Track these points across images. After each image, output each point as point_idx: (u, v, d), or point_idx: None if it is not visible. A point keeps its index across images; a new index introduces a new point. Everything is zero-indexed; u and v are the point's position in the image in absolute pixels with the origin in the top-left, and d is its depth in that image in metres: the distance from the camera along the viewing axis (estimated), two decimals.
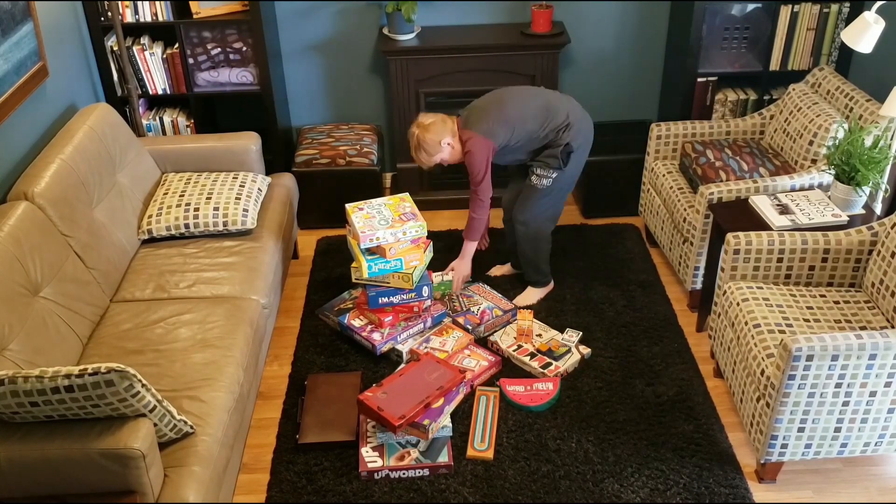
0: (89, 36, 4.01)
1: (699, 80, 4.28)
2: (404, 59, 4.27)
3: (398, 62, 4.29)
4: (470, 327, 3.60)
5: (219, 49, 4.19)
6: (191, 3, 4.02)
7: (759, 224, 3.33)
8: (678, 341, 3.60)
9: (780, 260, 3.17)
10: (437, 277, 3.97)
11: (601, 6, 4.45)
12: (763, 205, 3.40)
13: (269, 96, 4.21)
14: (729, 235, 3.16)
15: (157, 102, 4.37)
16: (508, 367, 3.49)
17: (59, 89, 3.61)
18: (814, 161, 3.60)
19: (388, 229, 3.42)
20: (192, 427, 2.58)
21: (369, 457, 3.00)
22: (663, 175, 3.98)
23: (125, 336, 3.00)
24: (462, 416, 3.23)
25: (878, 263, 3.04)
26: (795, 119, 3.74)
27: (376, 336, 3.51)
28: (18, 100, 3.17)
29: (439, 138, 3.48)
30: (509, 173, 3.90)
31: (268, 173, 4.02)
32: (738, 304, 3.08)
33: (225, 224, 3.52)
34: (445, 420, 3.13)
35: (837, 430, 2.79)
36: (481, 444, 3.08)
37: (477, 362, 3.43)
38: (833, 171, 3.41)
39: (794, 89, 3.89)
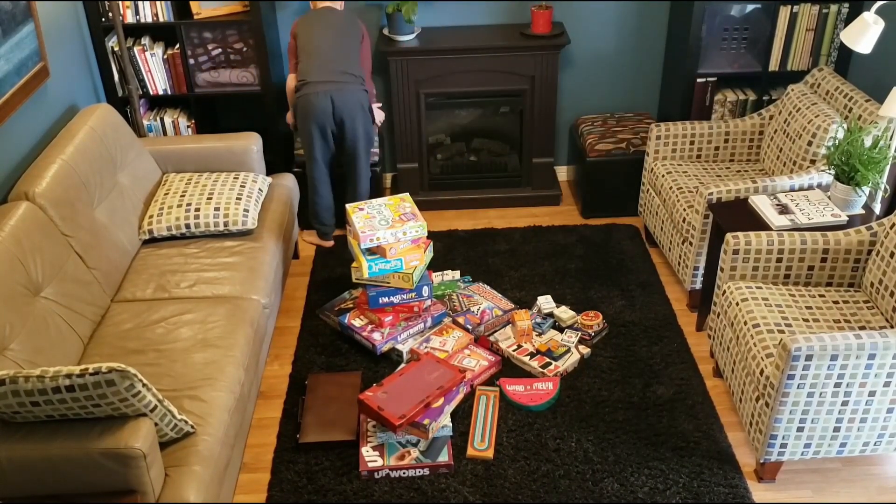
0: (90, 36, 4.02)
1: (698, 80, 4.29)
2: (404, 59, 4.28)
3: (398, 63, 4.30)
4: (470, 327, 3.61)
5: (219, 49, 4.20)
6: (191, 3, 4.03)
7: (759, 224, 3.34)
8: (677, 341, 3.61)
9: (779, 260, 3.17)
10: (436, 277, 3.99)
11: (601, 6, 4.46)
12: (762, 204, 3.41)
13: (269, 97, 4.21)
14: (728, 235, 3.17)
15: (157, 103, 4.38)
16: (508, 367, 3.49)
17: (60, 90, 3.62)
18: (813, 161, 3.61)
19: (389, 229, 3.43)
20: (192, 427, 2.58)
21: (370, 456, 3.01)
22: (663, 175, 3.99)
23: (126, 336, 3.01)
24: (462, 416, 3.23)
25: (878, 263, 3.05)
26: (794, 119, 3.75)
27: (376, 336, 3.52)
28: (19, 100, 3.18)
29: None
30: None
31: (268, 173, 4.03)
32: (737, 304, 3.09)
33: (226, 224, 3.53)
34: (445, 420, 3.13)
35: (837, 429, 2.80)
36: (481, 444, 3.09)
37: (477, 362, 3.43)
38: (833, 171, 3.42)
39: (793, 90, 3.90)
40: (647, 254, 4.22)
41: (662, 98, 4.71)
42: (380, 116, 4.21)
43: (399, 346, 3.52)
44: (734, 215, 3.41)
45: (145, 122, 4.21)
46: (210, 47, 4.19)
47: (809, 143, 3.61)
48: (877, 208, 3.59)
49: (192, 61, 4.18)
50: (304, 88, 3.91)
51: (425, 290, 3.56)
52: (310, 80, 3.90)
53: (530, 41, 4.29)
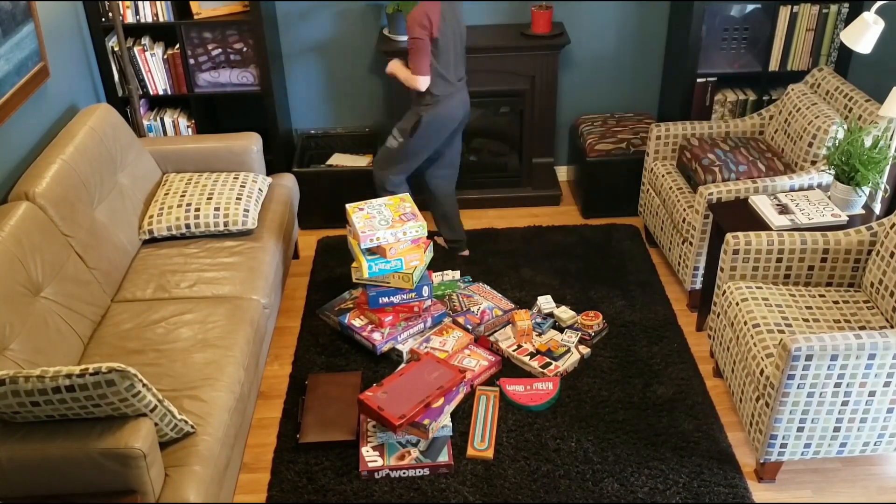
0: (90, 36, 4.02)
1: (698, 80, 4.29)
2: (404, 59, 4.27)
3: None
4: (470, 327, 3.61)
5: (219, 50, 4.20)
6: (191, 3, 4.03)
7: (759, 224, 3.34)
8: (678, 341, 3.61)
9: (779, 260, 3.17)
10: (436, 277, 3.99)
11: (601, 6, 4.46)
12: (763, 205, 3.41)
13: (269, 97, 4.21)
14: (728, 235, 3.17)
15: (157, 103, 4.38)
16: (508, 367, 3.49)
17: (60, 90, 3.62)
18: (813, 162, 3.61)
19: (389, 229, 3.43)
20: (192, 427, 2.58)
21: (370, 456, 3.01)
22: (663, 175, 3.99)
23: (126, 336, 3.01)
24: (462, 416, 3.23)
25: (878, 263, 3.05)
26: (795, 120, 3.75)
27: (376, 336, 3.52)
28: (20, 100, 3.18)
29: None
30: None
31: (268, 173, 4.03)
32: (737, 304, 3.09)
33: (226, 224, 3.53)
34: (445, 420, 3.13)
35: (837, 429, 2.80)
36: (481, 444, 3.09)
37: (477, 362, 3.43)
38: (833, 172, 3.42)
39: (793, 90, 3.90)
40: (647, 254, 4.22)
41: (662, 98, 4.71)
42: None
43: (399, 346, 3.52)
44: (734, 215, 3.41)
45: (145, 122, 4.21)
46: (210, 47, 4.19)
47: (810, 145, 3.61)
48: (877, 208, 3.59)
49: (192, 61, 4.18)
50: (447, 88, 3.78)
51: (425, 290, 3.56)
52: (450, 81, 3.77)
53: (530, 41, 4.29)
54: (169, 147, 3.84)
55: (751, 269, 3.19)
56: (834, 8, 4.09)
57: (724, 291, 3.20)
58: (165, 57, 4.13)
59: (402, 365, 3.49)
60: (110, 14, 3.94)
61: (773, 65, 4.26)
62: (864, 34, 3.35)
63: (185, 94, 4.22)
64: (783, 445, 2.82)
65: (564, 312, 3.70)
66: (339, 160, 4.53)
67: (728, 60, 4.31)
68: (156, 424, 2.40)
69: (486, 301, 3.78)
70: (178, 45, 4.13)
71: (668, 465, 3.01)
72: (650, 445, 3.10)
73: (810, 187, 3.54)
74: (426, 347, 3.50)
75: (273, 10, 4.34)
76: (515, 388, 3.33)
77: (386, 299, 3.51)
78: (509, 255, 4.22)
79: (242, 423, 2.92)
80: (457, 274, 4.03)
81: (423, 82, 3.66)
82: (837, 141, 3.48)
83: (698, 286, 3.73)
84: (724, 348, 3.20)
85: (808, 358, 2.61)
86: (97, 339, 3.01)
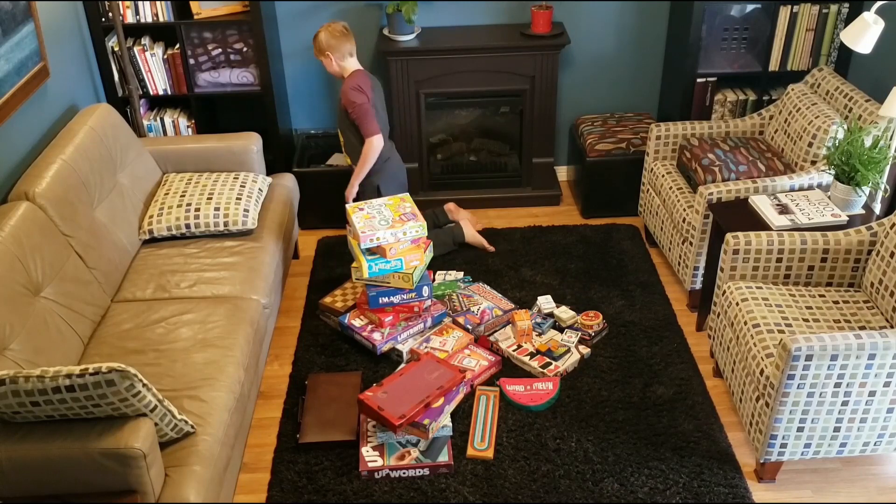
0: (90, 36, 4.02)
1: (698, 80, 4.29)
2: (404, 59, 4.28)
3: (398, 63, 4.30)
4: (470, 327, 3.61)
5: (219, 49, 4.20)
6: (191, 3, 4.03)
7: (759, 224, 3.34)
8: (678, 341, 3.61)
9: (779, 260, 3.17)
10: (437, 277, 3.99)
11: (601, 7, 4.46)
12: (762, 205, 3.41)
13: (269, 97, 4.21)
14: (728, 235, 3.17)
15: (157, 103, 4.38)
16: (508, 367, 3.49)
17: (60, 90, 3.62)
18: (813, 163, 3.61)
19: (389, 229, 3.43)
20: (192, 426, 2.58)
21: (370, 456, 3.01)
22: (662, 175, 3.99)
23: (126, 336, 3.01)
24: (462, 416, 3.23)
25: (878, 263, 3.05)
26: (795, 120, 3.75)
27: (377, 336, 3.52)
28: (20, 100, 3.18)
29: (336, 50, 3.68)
30: None
31: (268, 173, 4.03)
32: (737, 304, 3.09)
33: (226, 224, 3.53)
34: (445, 420, 3.13)
35: (837, 429, 2.80)
36: (481, 444, 3.09)
37: (477, 362, 3.43)
38: (833, 171, 3.42)
39: (793, 89, 3.90)
40: (647, 254, 4.22)
41: (662, 98, 4.71)
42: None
43: (399, 346, 3.52)
44: (734, 215, 3.41)
45: (145, 122, 4.21)
46: (210, 47, 4.19)
47: (810, 145, 3.61)
48: (877, 208, 3.59)
49: (192, 61, 4.17)
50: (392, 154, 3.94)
51: (425, 290, 3.56)
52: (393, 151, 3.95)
53: (530, 41, 4.29)
54: (169, 147, 3.84)
55: (751, 269, 3.19)
56: (834, 8, 4.09)
57: (724, 291, 3.20)
58: (165, 57, 4.13)
59: (402, 365, 3.49)
60: (110, 14, 3.94)
61: (773, 65, 4.26)
62: (864, 34, 3.35)
63: (185, 94, 4.22)
64: (783, 445, 2.82)
65: (564, 312, 3.70)
66: (339, 160, 4.53)
67: (728, 60, 4.31)
68: (156, 424, 2.40)
69: (486, 301, 3.78)
70: (178, 45, 4.13)
71: (668, 465, 3.01)
72: (650, 445, 3.10)
73: (810, 187, 3.54)
74: (426, 347, 3.50)
75: (273, 10, 4.34)
76: (515, 388, 3.33)
77: (386, 299, 3.51)
78: (509, 255, 4.22)
79: (242, 423, 2.92)
80: (458, 274, 4.03)
81: (378, 141, 3.73)
82: (837, 141, 3.48)
83: (698, 286, 3.73)
84: (724, 348, 3.20)
85: (808, 358, 2.61)
86: (97, 339, 3.01)
